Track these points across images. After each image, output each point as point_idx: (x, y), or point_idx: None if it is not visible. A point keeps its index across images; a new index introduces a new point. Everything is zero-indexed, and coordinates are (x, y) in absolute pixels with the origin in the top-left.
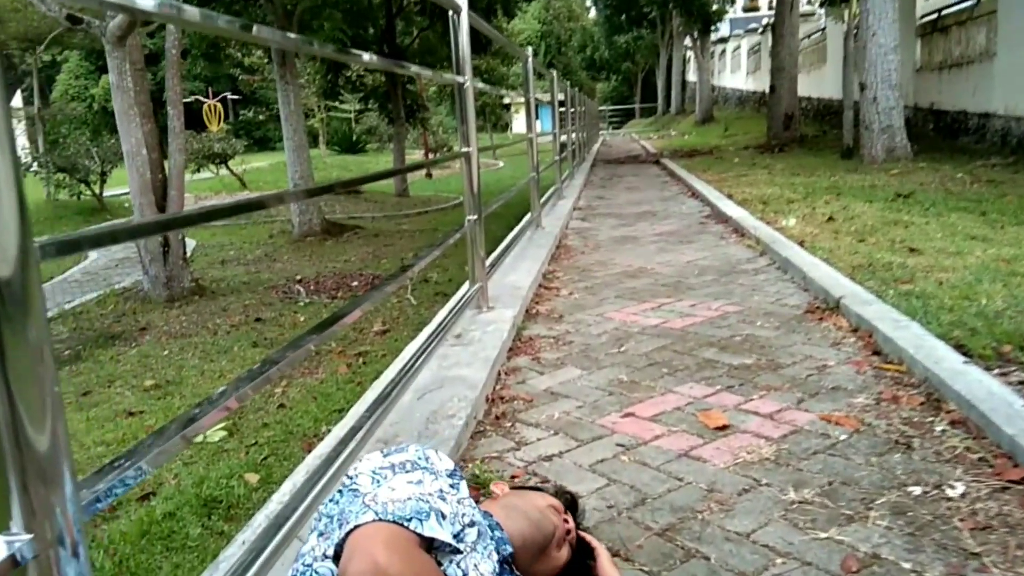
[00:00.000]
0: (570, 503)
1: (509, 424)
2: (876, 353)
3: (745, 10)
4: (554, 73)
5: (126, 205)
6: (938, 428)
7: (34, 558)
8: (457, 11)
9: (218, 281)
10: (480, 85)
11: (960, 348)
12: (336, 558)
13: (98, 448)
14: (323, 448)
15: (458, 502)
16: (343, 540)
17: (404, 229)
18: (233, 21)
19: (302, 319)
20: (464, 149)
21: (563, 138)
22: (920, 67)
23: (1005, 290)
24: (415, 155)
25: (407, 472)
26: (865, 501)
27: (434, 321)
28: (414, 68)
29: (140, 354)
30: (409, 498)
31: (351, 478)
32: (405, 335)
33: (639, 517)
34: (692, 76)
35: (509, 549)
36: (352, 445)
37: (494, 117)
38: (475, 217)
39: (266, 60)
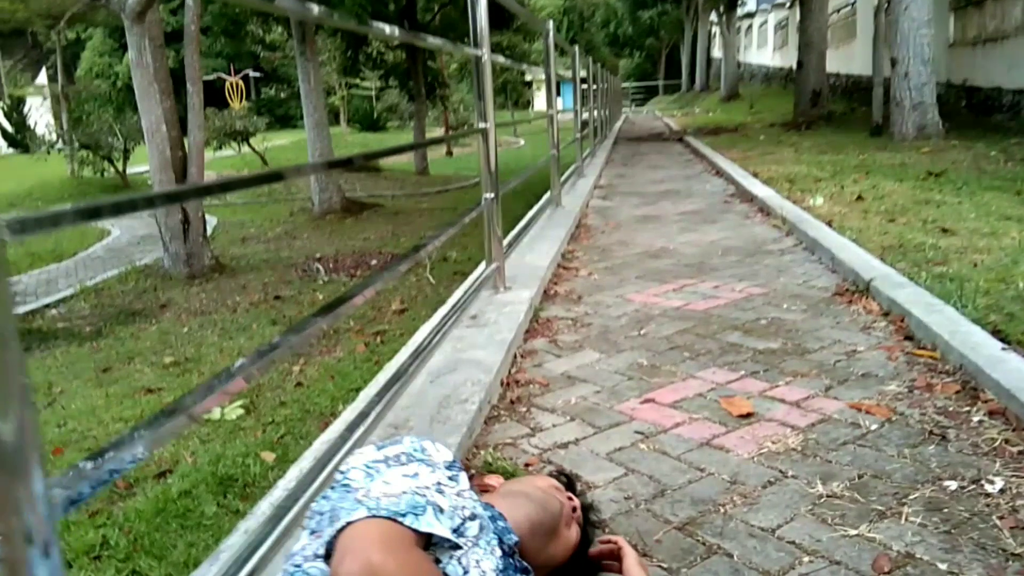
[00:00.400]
0: (568, 483)
1: (524, 409)
2: (908, 338)
3: None
4: (576, 49)
5: (149, 182)
6: (975, 418)
7: (0, 560)
8: None
9: (238, 259)
10: (499, 59)
11: (997, 333)
12: (328, 557)
13: (116, 424)
14: (330, 434)
15: (457, 495)
16: (334, 538)
17: (424, 207)
18: None
19: (321, 297)
20: (481, 125)
21: (585, 115)
22: (953, 42)
23: None
24: (436, 133)
25: (402, 465)
26: (898, 496)
27: (449, 302)
28: (431, 39)
29: (160, 331)
30: (404, 492)
31: (343, 473)
32: (423, 314)
33: (658, 510)
34: (717, 52)
35: (514, 538)
36: (361, 430)
37: (515, 94)
38: (492, 195)
39: (286, 37)
